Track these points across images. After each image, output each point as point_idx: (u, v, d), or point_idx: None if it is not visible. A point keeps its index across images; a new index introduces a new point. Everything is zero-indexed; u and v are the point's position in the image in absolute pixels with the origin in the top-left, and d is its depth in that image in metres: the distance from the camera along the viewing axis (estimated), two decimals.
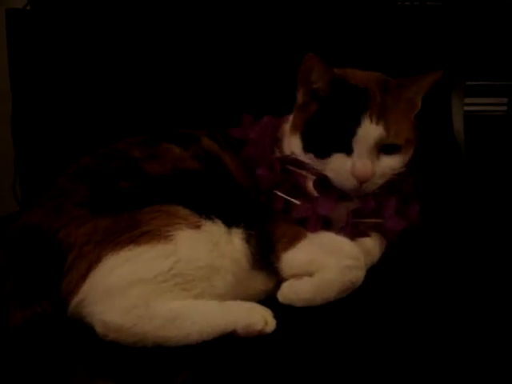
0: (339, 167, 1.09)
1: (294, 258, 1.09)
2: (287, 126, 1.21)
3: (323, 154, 1.10)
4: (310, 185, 1.14)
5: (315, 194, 1.13)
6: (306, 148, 1.13)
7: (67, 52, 1.56)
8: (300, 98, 1.17)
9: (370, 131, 1.07)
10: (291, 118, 1.21)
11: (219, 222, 1.03)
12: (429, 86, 1.14)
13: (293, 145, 1.16)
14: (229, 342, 0.94)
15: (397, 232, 1.16)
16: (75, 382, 0.81)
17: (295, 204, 1.12)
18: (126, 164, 1.06)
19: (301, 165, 1.14)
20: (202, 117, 1.48)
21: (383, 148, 1.09)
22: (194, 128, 1.24)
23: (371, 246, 1.15)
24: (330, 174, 1.11)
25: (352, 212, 1.13)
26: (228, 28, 1.55)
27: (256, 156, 1.18)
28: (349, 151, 1.08)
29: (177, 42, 1.55)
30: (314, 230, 1.10)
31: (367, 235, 1.15)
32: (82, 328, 0.93)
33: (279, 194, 1.13)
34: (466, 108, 1.64)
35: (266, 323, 0.98)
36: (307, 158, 1.13)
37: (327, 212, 1.11)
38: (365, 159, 1.07)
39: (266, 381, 0.88)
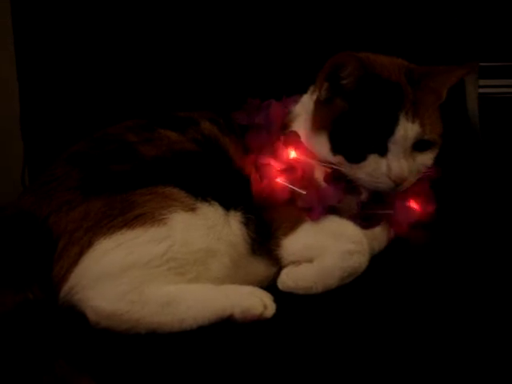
0: (374, 170, 1.03)
1: (293, 243, 1.05)
2: (297, 109, 1.17)
3: (357, 157, 1.04)
4: (316, 174, 1.09)
5: (322, 183, 1.08)
6: (335, 150, 1.06)
7: (70, 41, 1.55)
8: (323, 93, 1.08)
9: (407, 130, 1.01)
10: (301, 105, 1.17)
11: (216, 205, 1.00)
12: (459, 78, 1.09)
13: (318, 144, 1.09)
14: (226, 329, 0.91)
15: (407, 224, 1.11)
16: (57, 371, 0.78)
17: (301, 194, 1.07)
18: (120, 147, 1.03)
19: (306, 150, 1.10)
20: (206, 99, 1.46)
21: (417, 145, 1.04)
22: (198, 109, 1.20)
23: (378, 230, 1.11)
24: (362, 175, 1.05)
25: (361, 203, 1.09)
26: (231, 9, 1.52)
27: (260, 142, 1.13)
28: (383, 152, 1.02)
29: (181, 23, 1.53)
30: (317, 218, 1.06)
31: (377, 225, 1.10)
32: (74, 315, 0.91)
33: (283, 183, 1.08)
34: (482, 90, 1.60)
35: (266, 307, 0.95)
36: (335, 160, 1.06)
37: (334, 202, 1.07)
38: (401, 160, 1.02)
39: (265, 369, 0.84)
